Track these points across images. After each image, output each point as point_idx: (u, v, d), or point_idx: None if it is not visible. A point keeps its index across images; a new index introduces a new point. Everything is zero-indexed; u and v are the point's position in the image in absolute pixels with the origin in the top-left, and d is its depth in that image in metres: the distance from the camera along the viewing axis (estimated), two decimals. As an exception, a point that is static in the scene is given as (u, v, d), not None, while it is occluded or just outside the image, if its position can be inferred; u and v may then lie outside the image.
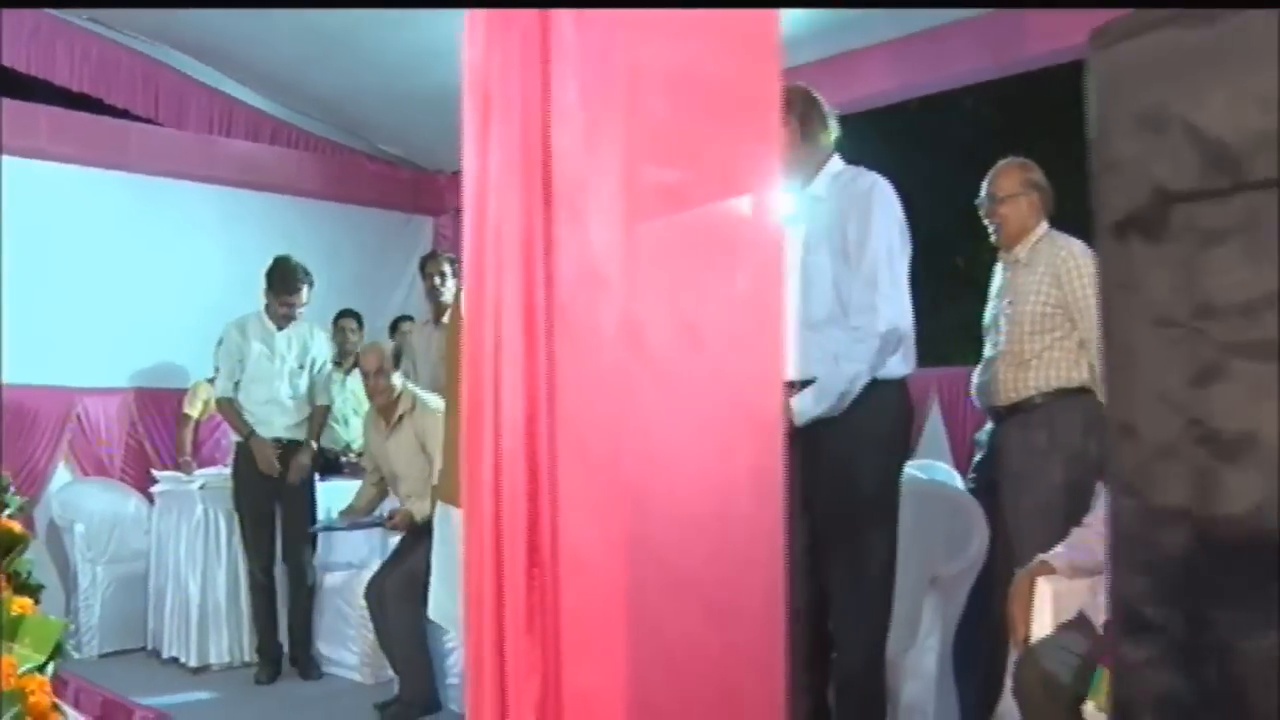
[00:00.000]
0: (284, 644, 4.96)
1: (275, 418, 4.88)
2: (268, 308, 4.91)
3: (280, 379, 4.89)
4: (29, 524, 5.58)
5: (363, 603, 4.42)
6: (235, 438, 5.01)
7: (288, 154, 6.71)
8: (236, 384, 4.90)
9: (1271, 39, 1.27)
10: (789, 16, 5.03)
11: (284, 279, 4.82)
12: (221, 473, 5.31)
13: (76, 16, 6.03)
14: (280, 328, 4.89)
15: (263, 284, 4.93)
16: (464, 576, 1.45)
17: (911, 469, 3.84)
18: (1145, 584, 1.38)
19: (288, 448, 4.87)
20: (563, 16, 1.32)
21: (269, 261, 4.95)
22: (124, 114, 6.21)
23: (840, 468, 2.89)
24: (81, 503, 5.55)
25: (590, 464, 1.29)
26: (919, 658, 3.30)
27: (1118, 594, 1.42)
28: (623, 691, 1.22)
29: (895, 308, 2.83)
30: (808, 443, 2.79)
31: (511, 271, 1.36)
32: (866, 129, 5.57)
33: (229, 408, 4.92)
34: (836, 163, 3.05)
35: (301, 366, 4.91)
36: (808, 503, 2.89)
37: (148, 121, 6.27)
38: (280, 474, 4.80)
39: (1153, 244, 1.37)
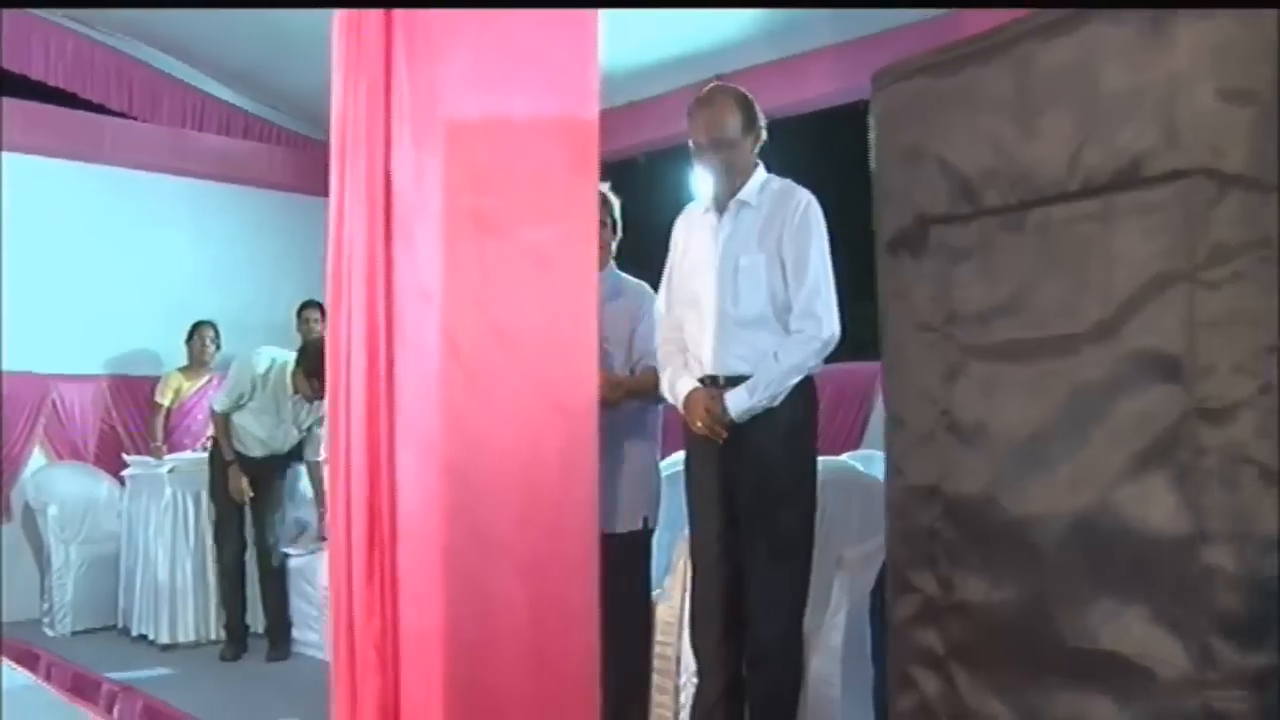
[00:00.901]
0: (249, 624, 5.20)
1: (271, 441, 5.09)
2: (293, 375, 4.96)
3: (285, 413, 5.08)
4: (5, 506, 5.85)
5: (325, 583, 4.65)
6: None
7: (259, 148, 6.92)
8: (239, 403, 5.06)
9: (1003, 88, 1.49)
10: (736, 20, 5.24)
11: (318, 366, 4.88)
12: (190, 457, 5.54)
13: (53, 14, 6.24)
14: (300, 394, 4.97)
15: (293, 358, 4.94)
16: (327, 539, 1.68)
17: (853, 459, 4.06)
18: (906, 552, 1.61)
19: (272, 459, 5.11)
20: (400, 72, 1.55)
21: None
22: (99, 108, 6.41)
23: (761, 457, 3.11)
24: (55, 486, 5.77)
25: (418, 447, 1.52)
26: (827, 633, 3.51)
27: (889, 561, 1.65)
28: (443, 632, 1.46)
29: (834, 319, 3.07)
30: (730, 433, 3.03)
31: (359, 286, 1.59)
32: (813, 131, 5.80)
33: (223, 425, 5.08)
34: (762, 171, 3.27)
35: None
36: (727, 488, 3.10)
37: (122, 116, 6.47)
38: (255, 484, 5.04)
39: (916, 260, 1.60)
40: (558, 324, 1.56)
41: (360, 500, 1.58)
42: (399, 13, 1.56)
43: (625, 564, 3.40)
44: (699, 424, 3.04)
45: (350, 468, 1.61)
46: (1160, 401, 1.32)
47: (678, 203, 3.61)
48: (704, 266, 3.16)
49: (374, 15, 1.59)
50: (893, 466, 1.63)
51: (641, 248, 4.36)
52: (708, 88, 3.29)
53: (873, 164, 1.66)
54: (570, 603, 1.59)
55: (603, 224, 3.64)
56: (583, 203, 1.60)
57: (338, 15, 1.69)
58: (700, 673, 3.30)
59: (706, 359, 3.12)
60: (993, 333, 1.49)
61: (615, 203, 3.70)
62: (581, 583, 1.59)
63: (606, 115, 5.00)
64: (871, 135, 1.66)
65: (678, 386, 3.12)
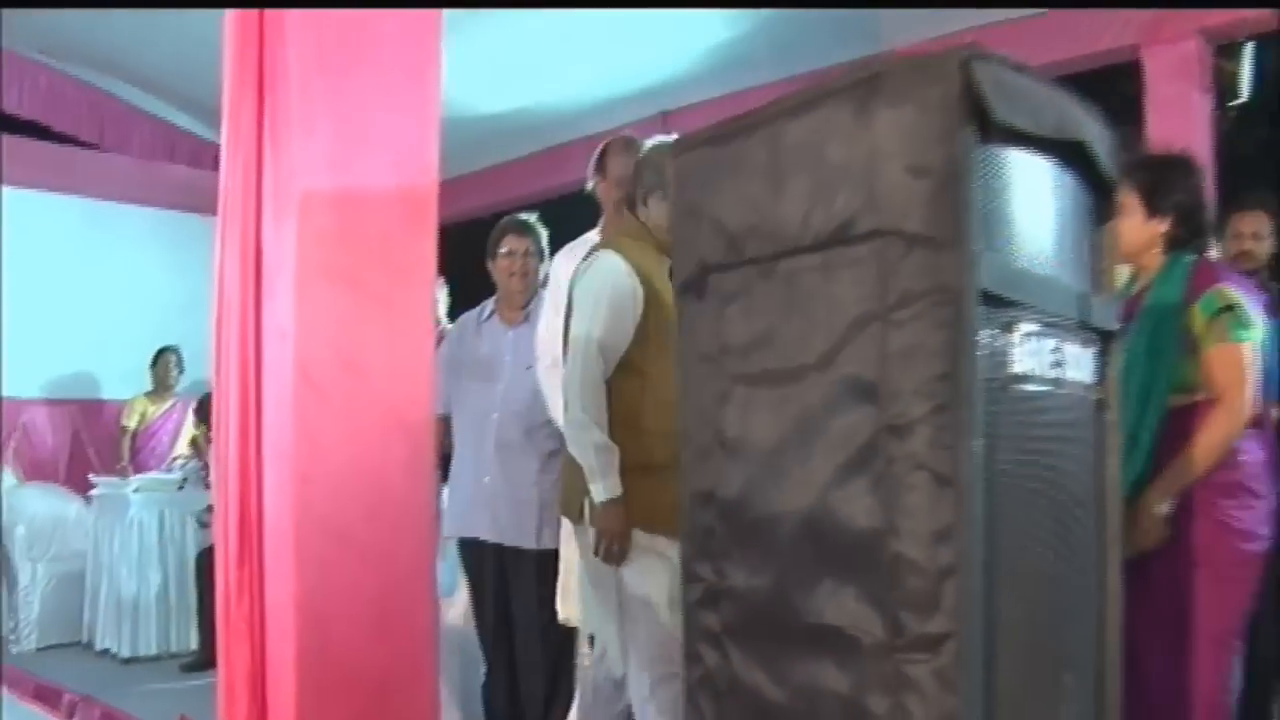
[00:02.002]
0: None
1: None
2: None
3: None
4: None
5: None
6: (180, 450, 5.58)
7: (228, 178, 7.30)
8: None
9: (760, 157, 1.84)
10: (681, 58, 5.59)
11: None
12: (154, 478, 5.89)
13: (27, 49, 6.62)
14: None
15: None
16: (214, 531, 2.03)
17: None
18: (691, 547, 1.95)
19: None
20: (268, 151, 1.91)
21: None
22: (71, 140, 6.79)
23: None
24: (25, 506, 6.12)
25: (279, 459, 1.87)
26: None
27: (681, 555, 1.98)
28: (297, 608, 1.81)
29: None
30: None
31: (234, 327, 1.94)
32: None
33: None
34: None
35: None
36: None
37: (93, 148, 6.85)
38: None
39: (699, 301, 1.94)
40: (398, 355, 1.91)
41: (234, 502, 1.93)
42: (269, 99, 1.92)
43: (541, 578, 3.76)
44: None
45: (227, 476, 1.96)
46: (861, 419, 1.66)
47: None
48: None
49: (249, 101, 1.94)
50: (682, 475, 1.97)
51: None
52: (618, 137, 3.66)
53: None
54: (412, 586, 1.93)
55: (530, 254, 4.02)
56: (421, 256, 1.96)
57: (225, 100, 2.05)
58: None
59: None
60: (751, 363, 1.83)
61: (543, 233, 4.08)
62: (422, 569, 1.94)
63: (557, 151, 5.46)
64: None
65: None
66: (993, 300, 1.68)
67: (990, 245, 1.69)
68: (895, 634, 1.64)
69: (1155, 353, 2.85)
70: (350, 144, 1.90)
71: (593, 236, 3.59)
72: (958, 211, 1.61)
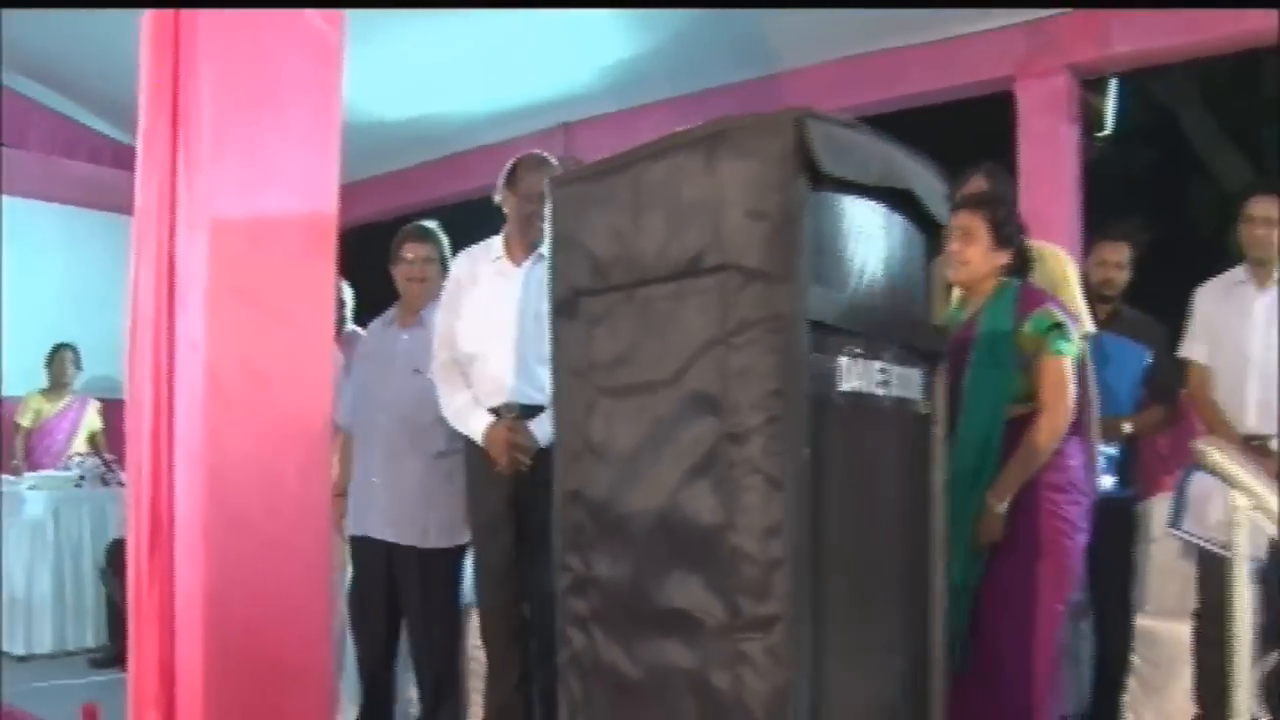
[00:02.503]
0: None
1: None
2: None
3: None
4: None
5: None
6: (77, 447, 5.69)
7: (128, 176, 7.37)
8: None
9: (625, 194, 2.10)
10: (579, 73, 5.84)
11: None
12: (52, 475, 5.98)
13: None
14: None
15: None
16: (127, 525, 2.25)
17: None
18: (563, 541, 2.21)
19: None
20: (182, 176, 2.13)
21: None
22: (-34, 135, 6.82)
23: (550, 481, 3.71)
24: (-84, 503, 6.16)
25: (189, 458, 2.10)
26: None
27: (554, 548, 2.24)
28: (204, 593, 2.03)
29: None
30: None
31: (148, 336, 2.16)
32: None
33: None
34: None
35: None
36: (515, 508, 3.68)
37: (-10, 143, 6.89)
38: None
39: (571, 322, 2.20)
40: (299, 367, 2.15)
41: (147, 497, 2.14)
42: (182, 131, 2.14)
43: (437, 577, 4.00)
44: (504, 459, 3.61)
45: (141, 473, 2.17)
46: (705, 429, 1.94)
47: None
48: (504, 308, 3.74)
49: (163, 131, 2.16)
50: (556, 477, 2.23)
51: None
52: (530, 154, 3.90)
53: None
54: (309, 576, 2.17)
55: (429, 260, 4.24)
56: (321, 276, 2.20)
57: (141, 127, 2.27)
58: (492, 670, 3.88)
59: (507, 388, 3.70)
60: (614, 377, 2.10)
61: (443, 240, 4.31)
62: (319, 560, 2.18)
63: (459, 159, 5.67)
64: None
65: (471, 421, 3.69)
66: (822, 327, 1.97)
67: (820, 279, 1.98)
68: (733, 616, 1.92)
69: (996, 368, 3.22)
70: (257, 175, 2.13)
71: (496, 242, 3.84)
72: (789, 251, 1.89)
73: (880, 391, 2.15)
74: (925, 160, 2.31)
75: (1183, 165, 10.27)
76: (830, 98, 5.70)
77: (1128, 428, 4.39)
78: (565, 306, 2.22)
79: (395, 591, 4.04)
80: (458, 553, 4.06)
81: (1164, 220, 4.53)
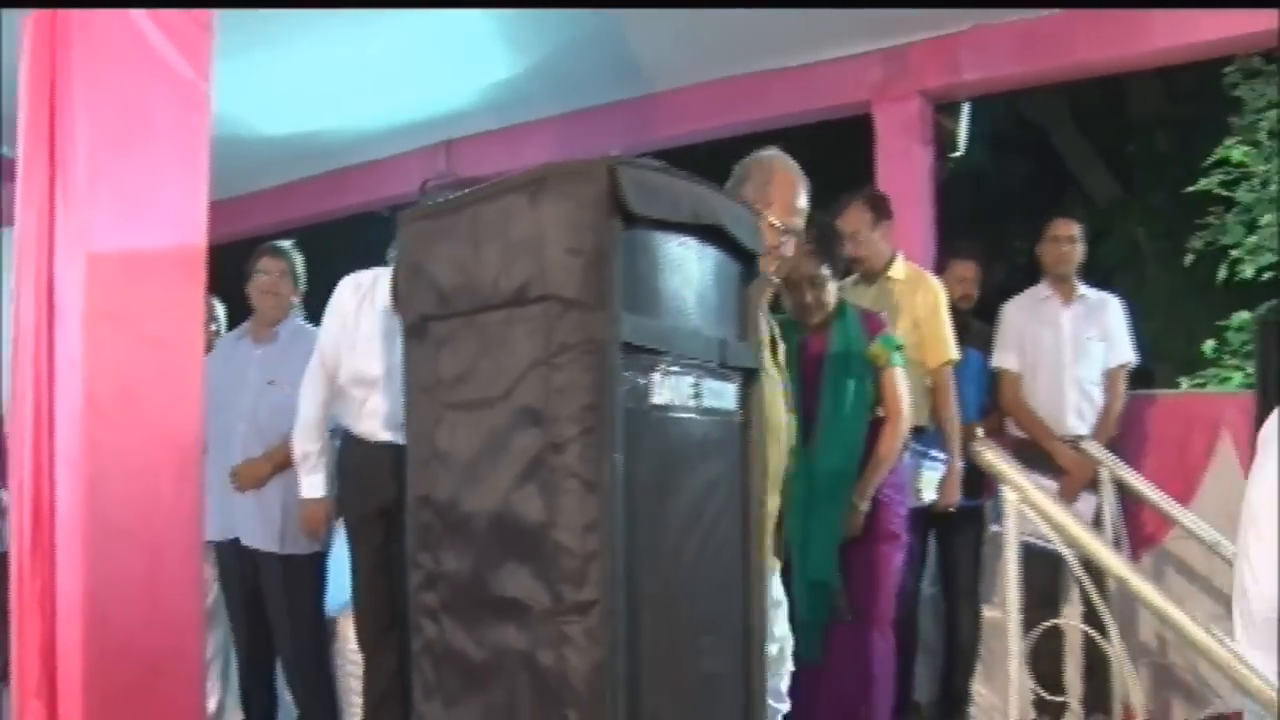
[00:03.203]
0: None
1: None
2: None
3: None
4: None
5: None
6: None
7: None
8: None
9: (465, 229, 2.42)
10: (462, 91, 6.12)
11: None
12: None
13: None
14: None
15: None
16: (10, 533, 2.51)
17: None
18: (415, 540, 2.51)
19: None
20: (59, 208, 2.40)
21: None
22: None
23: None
24: None
25: (69, 467, 2.37)
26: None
27: (407, 546, 2.55)
28: (83, 591, 2.30)
29: None
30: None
31: (29, 356, 2.43)
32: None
33: None
34: None
35: None
36: (385, 509, 3.99)
37: None
38: None
39: (420, 344, 2.51)
40: (170, 386, 2.43)
41: (29, 506, 2.41)
42: (60, 169, 2.41)
43: (299, 581, 4.30)
44: (306, 529, 4.01)
45: (23, 482, 2.44)
46: (531, 439, 2.26)
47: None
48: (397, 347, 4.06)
49: (41, 168, 2.43)
50: (409, 483, 2.54)
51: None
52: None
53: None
54: (180, 576, 2.45)
55: (283, 275, 4.51)
56: (191, 302, 2.49)
57: (20, 164, 2.53)
58: (369, 668, 4.17)
59: (397, 424, 3.98)
60: (456, 394, 2.41)
61: (297, 258, 4.59)
62: (189, 562, 2.46)
63: (340, 174, 5.94)
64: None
65: (307, 476, 4.05)
66: (635, 348, 2.31)
67: (633, 307, 2.31)
68: (557, 602, 2.24)
69: (855, 380, 3.68)
70: (131, 210, 2.41)
71: (384, 274, 4.12)
72: (603, 283, 2.23)
73: (692, 403, 2.49)
74: (736, 198, 2.65)
75: (1059, 179, 10.88)
76: (701, 118, 6.11)
77: (980, 433, 4.83)
78: (415, 330, 2.53)
79: (260, 598, 4.31)
80: (319, 558, 4.35)
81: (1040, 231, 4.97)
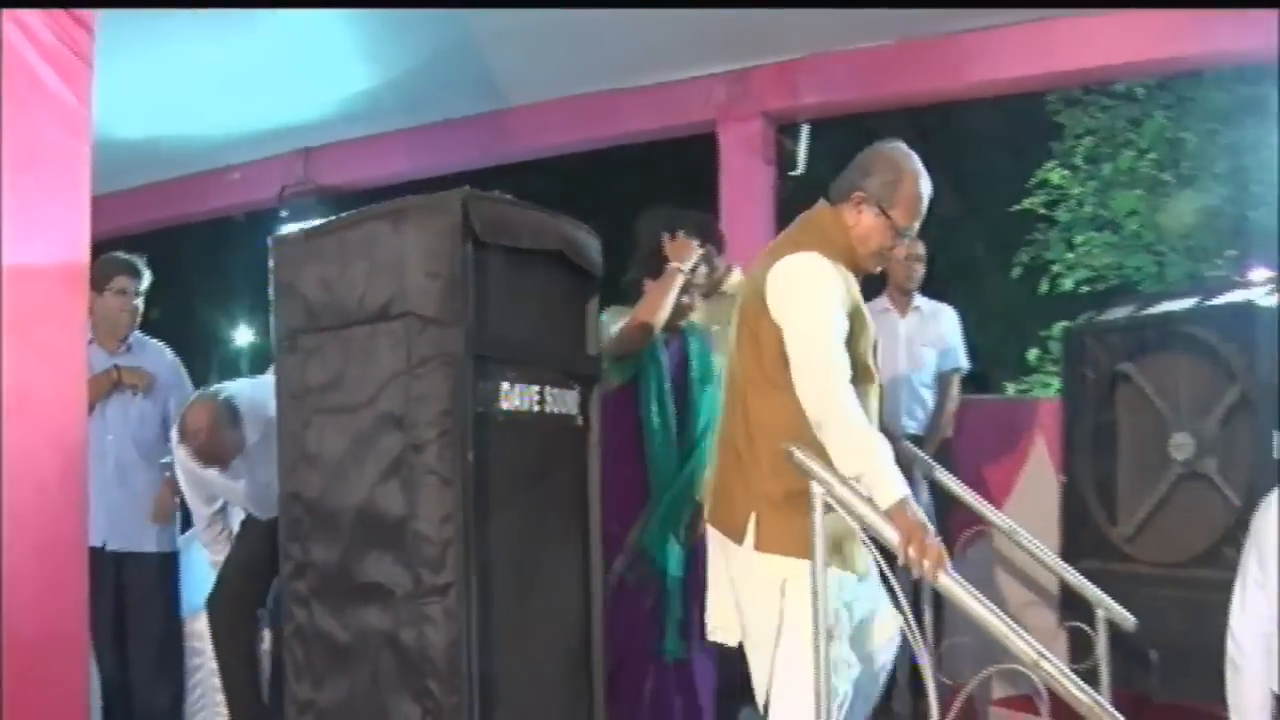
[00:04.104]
0: None
1: None
2: None
3: None
4: None
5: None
6: None
7: None
8: None
9: (333, 253, 2.76)
10: (319, 100, 6.38)
11: None
12: None
13: None
14: None
15: None
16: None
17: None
18: (286, 533, 2.85)
19: None
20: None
21: None
22: None
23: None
24: None
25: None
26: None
27: (280, 538, 2.88)
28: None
29: None
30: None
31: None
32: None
33: None
34: None
35: None
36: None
37: None
38: None
39: (291, 355, 2.85)
40: (57, 390, 2.73)
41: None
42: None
43: (160, 580, 4.61)
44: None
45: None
46: (394, 441, 2.62)
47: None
48: None
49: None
50: (279, 481, 2.87)
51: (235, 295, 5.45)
52: None
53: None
54: (65, 568, 2.75)
55: (139, 293, 4.77)
56: (75, 313, 2.79)
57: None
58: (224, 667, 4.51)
59: None
60: (325, 400, 2.76)
61: (145, 275, 4.83)
62: (75, 556, 2.76)
63: (198, 179, 6.12)
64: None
65: None
66: (486, 360, 2.69)
67: (484, 324, 2.70)
68: (417, 585, 2.61)
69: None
70: (19, 228, 2.70)
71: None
72: (458, 302, 2.61)
73: (538, 409, 2.89)
74: (579, 225, 3.05)
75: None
76: (554, 133, 6.51)
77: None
78: (286, 343, 2.87)
79: (124, 601, 4.59)
80: (174, 557, 4.69)
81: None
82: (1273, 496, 3.27)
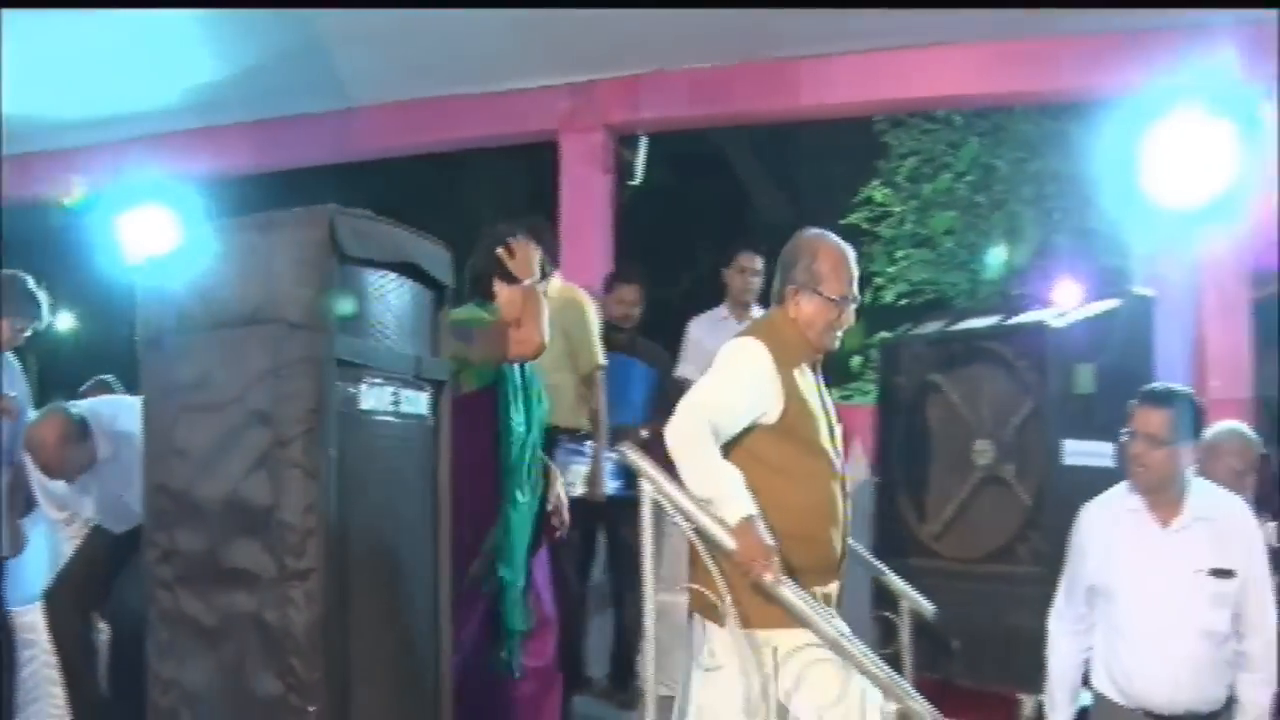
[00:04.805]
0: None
1: None
2: None
3: None
4: None
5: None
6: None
7: None
8: None
9: (204, 260, 3.04)
10: (159, 89, 6.50)
11: None
12: None
13: None
14: None
15: None
16: None
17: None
18: (152, 522, 3.11)
19: None
20: None
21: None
22: None
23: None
24: None
25: None
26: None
27: (144, 527, 3.13)
28: None
29: None
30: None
31: None
32: (233, 195, 7.23)
33: None
34: None
35: None
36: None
37: None
38: None
39: (161, 353, 3.11)
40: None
41: None
42: None
43: None
44: None
45: None
46: (261, 436, 2.92)
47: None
48: None
49: None
50: (145, 473, 3.13)
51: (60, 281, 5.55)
52: None
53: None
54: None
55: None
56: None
57: None
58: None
59: None
60: (195, 397, 3.03)
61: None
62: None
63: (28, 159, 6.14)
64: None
65: None
66: (346, 364, 3.01)
67: (346, 330, 3.01)
68: (281, 570, 2.90)
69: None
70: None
71: None
72: (321, 310, 2.91)
73: (393, 409, 3.21)
74: (432, 239, 3.39)
75: (741, 201, 12.15)
76: (398, 135, 6.80)
77: (644, 434, 5.71)
78: (154, 343, 3.13)
79: None
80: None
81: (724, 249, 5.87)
82: (1091, 506, 3.73)
